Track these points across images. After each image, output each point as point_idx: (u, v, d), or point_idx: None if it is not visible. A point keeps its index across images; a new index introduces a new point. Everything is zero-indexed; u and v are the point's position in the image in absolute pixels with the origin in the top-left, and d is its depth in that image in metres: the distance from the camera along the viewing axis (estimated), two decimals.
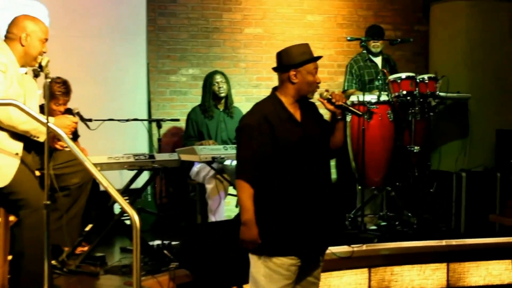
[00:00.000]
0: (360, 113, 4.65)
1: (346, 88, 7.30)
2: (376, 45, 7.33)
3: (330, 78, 8.21)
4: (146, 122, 6.99)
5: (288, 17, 8.25)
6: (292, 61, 4.09)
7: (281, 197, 4.04)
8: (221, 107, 7.04)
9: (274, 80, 7.79)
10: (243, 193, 4.02)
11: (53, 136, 4.56)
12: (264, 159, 4.01)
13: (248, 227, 3.97)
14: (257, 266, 4.14)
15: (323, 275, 5.90)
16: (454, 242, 6.72)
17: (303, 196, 4.03)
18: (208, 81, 6.95)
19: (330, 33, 8.38)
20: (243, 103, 7.81)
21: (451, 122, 7.91)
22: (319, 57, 4.13)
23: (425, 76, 6.93)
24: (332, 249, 5.88)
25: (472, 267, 6.61)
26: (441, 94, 7.10)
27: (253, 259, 4.13)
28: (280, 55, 4.17)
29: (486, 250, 6.64)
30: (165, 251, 5.78)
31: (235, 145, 6.52)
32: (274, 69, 4.23)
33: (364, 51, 7.30)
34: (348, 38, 7.23)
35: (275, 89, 4.21)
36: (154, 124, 6.87)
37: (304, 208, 4.02)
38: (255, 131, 4.02)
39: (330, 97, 4.09)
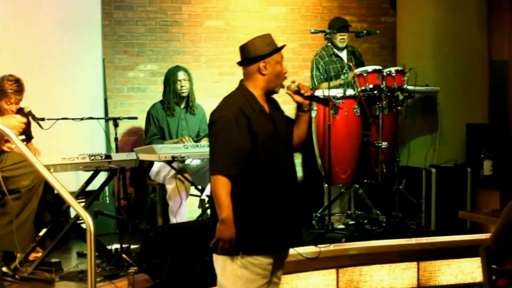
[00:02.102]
0: (327, 101, 4.78)
1: (316, 84, 7.29)
2: (342, 39, 7.35)
3: (294, 72, 8.12)
4: (102, 121, 6.92)
5: (250, 9, 8.19)
6: (261, 52, 4.15)
7: (258, 193, 4.07)
8: (182, 104, 7.02)
9: (236, 75, 7.74)
10: (222, 189, 3.97)
11: (0, 137, 4.65)
12: (244, 154, 4.02)
13: (227, 225, 3.92)
14: (230, 268, 4.10)
15: (290, 277, 6.06)
16: (424, 240, 6.78)
17: (278, 192, 4.10)
18: (171, 78, 6.92)
19: (293, 25, 8.33)
20: (205, 99, 7.76)
21: (419, 116, 7.96)
22: (283, 46, 4.22)
23: (392, 69, 6.97)
24: (298, 250, 5.94)
25: (444, 266, 6.65)
26: (409, 87, 7.14)
27: (224, 261, 4.08)
28: (246, 48, 4.23)
29: (457, 248, 6.68)
30: (124, 255, 5.74)
31: (196, 144, 6.60)
32: (240, 63, 4.28)
33: (329, 44, 7.21)
34: (312, 30, 7.15)
35: (242, 81, 4.27)
36: (111, 123, 6.73)
37: (280, 205, 4.10)
38: (232, 124, 4.02)
39: (297, 88, 4.17)
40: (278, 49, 4.19)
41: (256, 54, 4.15)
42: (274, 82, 4.18)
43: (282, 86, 4.23)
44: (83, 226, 5.79)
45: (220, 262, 4.10)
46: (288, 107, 5.91)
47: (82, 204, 5.92)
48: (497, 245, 4.14)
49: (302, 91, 4.18)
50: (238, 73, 7.93)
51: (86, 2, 7.35)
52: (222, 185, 3.98)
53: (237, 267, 4.07)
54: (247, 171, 4.05)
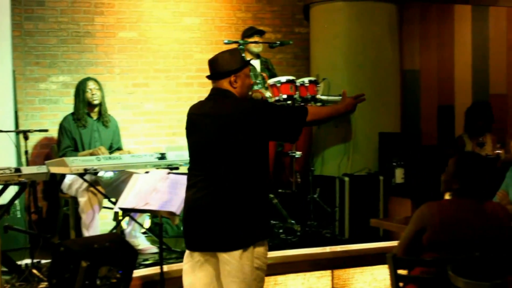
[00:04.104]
0: None
1: None
2: (257, 45, 7.46)
3: (209, 82, 7.94)
4: (12, 134, 6.82)
5: (164, 20, 8.18)
6: (232, 66, 4.37)
7: (264, 187, 4.38)
8: (94, 115, 7.01)
9: (150, 86, 7.92)
10: (320, 111, 4.54)
11: None
12: None
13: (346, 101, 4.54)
14: (246, 259, 4.27)
15: None
16: (338, 248, 6.87)
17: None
18: (81, 88, 6.90)
19: (208, 36, 8.34)
20: (119, 111, 7.75)
21: (333, 125, 8.06)
22: (250, 60, 4.78)
23: (305, 79, 7.05)
24: None
25: (357, 273, 6.75)
26: (323, 97, 7.22)
27: (240, 255, 4.26)
28: (216, 62, 4.44)
29: (370, 255, 6.80)
30: (34, 270, 5.72)
31: (109, 156, 6.67)
32: (211, 77, 4.47)
33: (243, 55, 7.19)
34: (225, 41, 7.16)
35: (221, 90, 4.43)
36: (22, 136, 6.65)
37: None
38: None
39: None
40: (247, 63, 4.43)
41: (227, 68, 4.34)
42: (244, 93, 4.41)
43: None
44: None
45: (236, 257, 4.24)
46: None
47: None
48: (405, 252, 4.26)
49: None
50: (152, 84, 8.02)
51: None
52: (314, 113, 4.41)
53: (251, 258, 4.26)
54: (258, 165, 4.29)
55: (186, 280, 4.46)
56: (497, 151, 7.44)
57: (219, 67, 4.40)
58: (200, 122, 4.36)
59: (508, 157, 6.96)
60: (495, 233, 4.10)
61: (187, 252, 4.46)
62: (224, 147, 4.24)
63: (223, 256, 4.25)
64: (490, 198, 4.66)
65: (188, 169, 4.54)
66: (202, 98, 7.90)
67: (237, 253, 4.21)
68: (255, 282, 4.32)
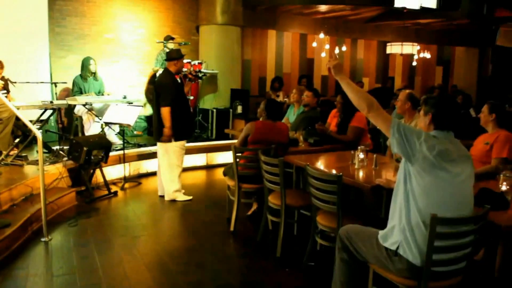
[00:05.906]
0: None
1: None
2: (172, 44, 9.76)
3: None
4: (49, 84, 9.55)
5: None
6: (176, 56, 6.68)
7: (184, 110, 6.83)
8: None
9: None
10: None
11: None
12: None
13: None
14: (173, 145, 6.60)
15: None
16: (211, 143, 9.78)
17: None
18: None
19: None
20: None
21: None
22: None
23: None
24: None
25: (220, 155, 9.85)
26: None
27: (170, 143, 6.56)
28: (169, 53, 6.51)
29: (227, 146, 9.72)
30: (60, 152, 7.85)
31: (98, 96, 9.08)
32: (166, 60, 6.51)
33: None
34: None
35: (166, 68, 6.39)
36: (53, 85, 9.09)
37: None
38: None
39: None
40: (182, 56, 6.72)
41: (173, 57, 6.51)
42: (179, 71, 6.50)
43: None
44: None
45: (161, 145, 6.36)
46: None
47: (37, 126, 7.93)
48: (241, 144, 6.42)
49: None
50: None
51: None
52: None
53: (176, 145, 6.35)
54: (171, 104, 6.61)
55: None
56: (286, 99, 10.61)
57: (169, 55, 6.37)
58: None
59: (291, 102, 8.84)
60: (282, 136, 6.48)
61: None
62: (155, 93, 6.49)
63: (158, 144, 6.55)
64: (280, 120, 6.83)
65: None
66: None
67: (162, 144, 6.40)
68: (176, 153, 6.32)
